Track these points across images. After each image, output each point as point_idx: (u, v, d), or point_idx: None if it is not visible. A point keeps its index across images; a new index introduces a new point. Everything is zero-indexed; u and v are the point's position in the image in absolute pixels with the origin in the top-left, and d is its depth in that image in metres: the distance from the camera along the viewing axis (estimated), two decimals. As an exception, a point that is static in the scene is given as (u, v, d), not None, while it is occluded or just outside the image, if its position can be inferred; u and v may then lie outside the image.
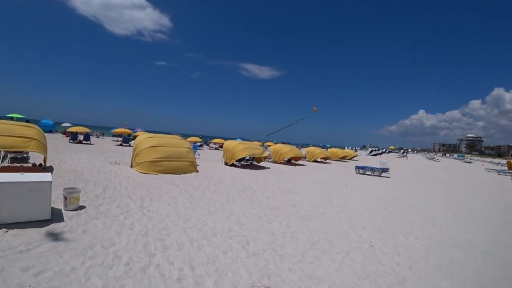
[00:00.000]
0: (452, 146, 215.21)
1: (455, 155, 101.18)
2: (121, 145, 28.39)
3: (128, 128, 39.17)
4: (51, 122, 44.09)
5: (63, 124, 44.45)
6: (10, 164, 10.24)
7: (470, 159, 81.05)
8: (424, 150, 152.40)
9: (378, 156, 66.72)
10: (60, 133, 38.96)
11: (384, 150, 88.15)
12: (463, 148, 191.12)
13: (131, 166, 11.86)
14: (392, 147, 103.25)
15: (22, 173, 5.71)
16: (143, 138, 11.83)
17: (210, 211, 6.81)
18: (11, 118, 34.81)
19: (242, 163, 17.91)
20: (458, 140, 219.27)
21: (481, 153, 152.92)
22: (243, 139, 55.84)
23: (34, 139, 8.86)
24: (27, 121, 21.70)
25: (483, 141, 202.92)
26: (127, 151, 21.00)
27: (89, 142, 26.73)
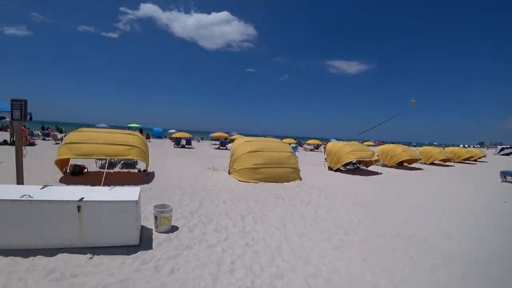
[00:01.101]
0: None
1: None
2: (218, 148, 29.01)
3: (225, 132, 40.57)
4: (161, 130, 49.50)
5: (170, 131, 49.16)
6: (120, 170, 10.35)
7: None
8: None
9: (513, 157, 53.06)
10: (168, 138, 43.06)
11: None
12: None
13: (229, 173, 10.80)
14: None
15: (112, 187, 4.81)
16: (241, 143, 10.66)
17: (334, 245, 4.78)
18: (131, 128, 40.27)
19: (348, 167, 15.30)
20: None
21: None
22: (337, 139, 52.07)
23: (135, 146, 8.48)
24: (140, 130, 23.90)
25: None
26: (224, 154, 20.78)
27: (190, 146, 28.14)
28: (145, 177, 9.30)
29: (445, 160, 23.95)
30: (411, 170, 17.92)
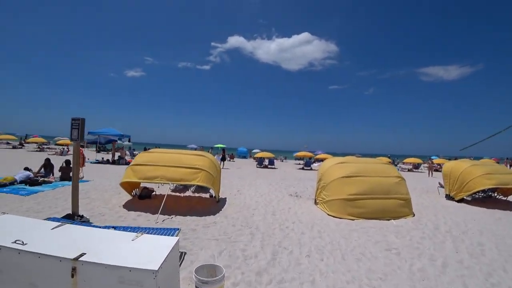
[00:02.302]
0: None
1: None
2: (302, 168, 26.79)
3: (309, 151, 38.13)
4: (245, 150, 50.25)
5: (254, 150, 49.25)
6: (192, 194, 9.26)
7: None
8: None
9: None
10: (252, 158, 42.93)
11: None
12: None
13: (315, 203, 8.54)
14: None
15: (140, 234, 3.25)
16: (331, 165, 8.30)
17: None
18: (216, 148, 41.69)
19: (476, 195, 11.12)
20: None
21: None
22: (438, 156, 43.66)
23: (203, 170, 7.13)
24: (223, 149, 23.72)
25: None
26: (309, 176, 18.47)
27: (273, 166, 26.76)
28: (215, 205, 7.85)
29: None
30: None
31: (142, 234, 3.22)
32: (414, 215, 7.77)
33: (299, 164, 34.19)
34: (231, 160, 36.11)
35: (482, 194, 11.23)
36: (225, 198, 8.95)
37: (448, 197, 10.98)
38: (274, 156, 30.99)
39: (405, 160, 36.86)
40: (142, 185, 8.58)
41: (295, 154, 34.83)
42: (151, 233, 3.79)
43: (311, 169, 26.78)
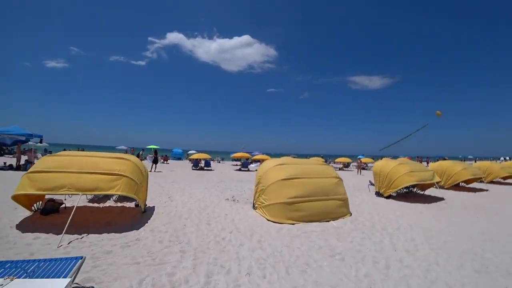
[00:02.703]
0: None
1: None
2: (239, 170, 26.43)
3: (246, 152, 38.10)
4: (181, 151, 47.96)
5: (190, 152, 47.42)
6: (114, 204, 7.96)
7: None
8: None
9: None
10: (188, 160, 41.15)
11: None
12: None
13: (253, 207, 8.05)
14: None
15: (6, 280, 2.25)
16: (270, 166, 7.88)
17: None
18: (149, 149, 38.80)
19: (399, 191, 11.97)
20: None
21: None
22: (363, 155, 47.99)
23: (124, 176, 5.97)
24: (155, 150, 21.84)
25: None
26: (246, 178, 18.09)
27: (210, 168, 25.79)
28: (140, 216, 6.77)
29: (505, 178, 20.01)
30: (475, 191, 14.35)
31: (11, 279, 2.22)
32: (351, 215, 7.82)
33: (237, 165, 33.83)
34: (165, 162, 34.01)
35: (405, 190, 12.16)
36: (153, 207, 7.88)
37: (378, 194, 11.62)
38: (210, 158, 30.04)
39: (336, 160, 39.35)
40: (47, 196, 7.01)
41: (232, 155, 34.42)
42: (36, 270, 2.75)
43: (248, 170, 26.58)
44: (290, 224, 6.61)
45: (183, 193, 10.30)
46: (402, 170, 10.94)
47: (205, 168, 25.64)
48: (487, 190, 15.09)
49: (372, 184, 13.11)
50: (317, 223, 6.84)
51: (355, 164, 34.32)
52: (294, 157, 35.07)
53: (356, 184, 16.02)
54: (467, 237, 6.29)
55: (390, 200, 10.76)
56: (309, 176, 7.54)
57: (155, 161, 20.73)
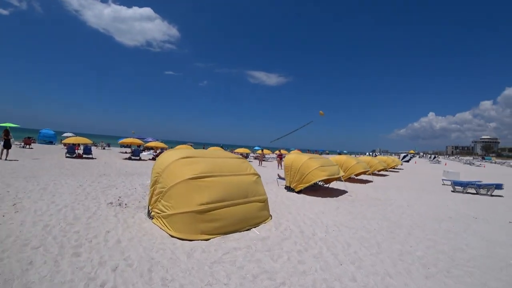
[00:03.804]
0: (466, 148, 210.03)
1: (479, 158, 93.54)
2: (129, 158, 22.70)
3: (138, 138, 33.60)
4: (52, 132, 38.70)
5: (64, 134, 39.19)
6: None
7: (494, 162, 72.79)
8: (435, 153, 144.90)
9: (413, 162, 59.82)
10: (62, 144, 33.67)
11: (415, 154, 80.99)
12: (478, 150, 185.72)
13: (149, 215, 5.94)
14: (412, 151, 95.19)
15: None
16: (172, 160, 5.73)
17: None
18: (6, 128, 29.69)
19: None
20: (473, 142, 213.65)
21: (499, 155, 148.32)
22: (260, 147, 49.66)
23: None
24: (6, 130, 16.16)
25: (499, 142, 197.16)
26: (138, 169, 15.19)
27: (90, 155, 21.22)
28: None
29: (380, 170, 23.21)
30: (365, 183, 15.82)
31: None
32: (271, 217, 6.68)
33: (126, 153, 29.41)
34: (27, 146, 26.69)
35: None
36: (-21, 224, 4.88)
37: (289, 188, 11.02)
38: (92, 143, 24.99)
39: (235, 150, 38.91)
40: None
41: (120, 141, 29.59)
42: None
43: (140, 159, 23.16)
44: (204, 240, 4.90)
45: (41, 196, 7.17)
46: (313, 165, 10.58)
47: (84, 156, 20.95)
48: (372, 181, 16.79)
49: (280, 178, 12.59)
50: (238, 233, 5.38)
51: (253, 155, 34.60)
52: (191, 146, 32.84)
53: (263, 177, 15.36)
54: (390, 234, 6.28)
55: (302, 195, 10.27)
56: (225, 174, 5.91)
57: (6, 146, 15.32)
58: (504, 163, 66.15)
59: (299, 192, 10.65)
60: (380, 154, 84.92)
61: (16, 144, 27.33)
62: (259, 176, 6.88)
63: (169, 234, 5.00)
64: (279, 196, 9.71)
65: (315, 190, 11.42)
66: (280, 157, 25.54)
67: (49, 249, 4.12)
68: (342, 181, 12.39)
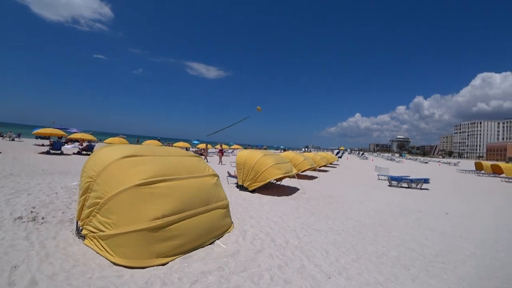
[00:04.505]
0: (385, 146, 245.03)
1: (397, 155, 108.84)
2: (48, 152, 19.21)
3: (59, 128, 28.93)
4: None
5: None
6: None
7: (408, 158, 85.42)
8: (361, 150, 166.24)
9: (345, 158, 64.62)
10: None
11: (344, 151, 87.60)
12: (394, 148, 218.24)
13: (79, 232, 4.45)
14: (342, 147, 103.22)
15: None
16: (111, 160, 4.22)
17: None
18: None
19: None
20: (390, 140, 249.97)
21: (409, 152, 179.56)
22: (200, 141, 47.86)
23: None
24: None
25: (409, 141, 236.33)
26: (60, 167, 12.66)
27: (-7, 150, 17.30)
28: None
29: (321, 166, 23.88)
30: (312, 179, 15.95)
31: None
32: (233, 225, 5.73)
33: (43, 145, 25.09)
34: None
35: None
36: None
37: (242, 187, 10.16)
38: (-4, 134, 20.53)
39: (175, 144, 36.46)
40: None
41: (35, 131, 24.96)
42: None
43: (61, 153, 19.84)
44: (161, 265, 3.71)
45: None
46: (268, 162, 9.89)
47: (-17, 150, 16.99)
48: (317, 177, 17.00)
49: (230, 175, 11.68)
50: (201, 250, 4.33)
51: (193, 149, 32.87)
52: (123, 137, 29.50)
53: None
54: (359, 235, 6.09)
55: (257, 195, 9.56)
56: (181, 176, 4.69)
57: None
58: (416, 159, 77.00)
59: (252, 191, 9.88)
60: (314, 150, 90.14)
61: None
62: (218, 177, 5.82)
63: (111, 262, 3.66)
64: (234, 197, 8.78)
65: (267, 188, 10.78)
66: (222, 152, 24.48)
67: None
68: (295, 178, 11.97)
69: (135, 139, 41.67)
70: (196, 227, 4.37)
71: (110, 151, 4.51)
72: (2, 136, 32.44)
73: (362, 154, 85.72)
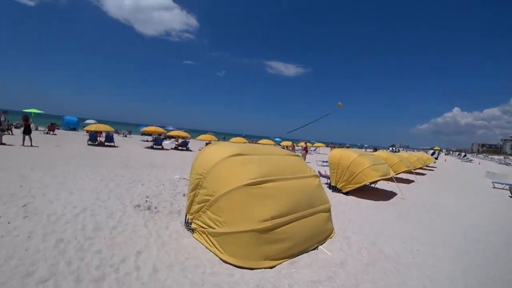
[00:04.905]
0: (494, 146, 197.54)
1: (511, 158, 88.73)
2: (151, 147, 21.82)
3: (159, 126, 32.76)
4: (75, 119, 38.77)
5: (87, 121, 39.09)
6: None
7: None
8: (460, 150, 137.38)
9: (442, 159, 56.66)
10: (85, 131, 33.39)
11: (439, 151, 77.16)
12: (508, 149, 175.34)
13: (188, 226, 4.67)
14: (436, 147, 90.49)
15: None
16: (220, 159, 4.25)
17: None
18: (27, 113, 29.56)
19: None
20: (502, 140, 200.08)
21: None
22: (282, 138, 47.95)
23: None
24: (25, 116, 15.42)
25: None
26: (162, 160, 14.11)
27: (112, 143, 20.47)
28: None
29: (417, 168, 21.24)
30: (408, 183, 14.14)
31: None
32: (334, 230, 5.30)
33: (147, 141, 28.70)
34: (51, 132, 26.40)
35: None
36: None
37: (334, 188, 9.56)
38: (114, 130, 24.32)
39: (259, 142, 37.43)
40: None
41: (142, 129, 28.73)
42: None
43: (162, 148, 22.26)
44: (269, 267, 3.57)
45: (58, 194, 6.04)
46: (365, 163, 9.06)
47: (106, 143, 20.23)
48: (414, 181, 15.09)
49: (322, 175, 11.13)
50: (306, 255, 4.07)
51: (299, 147, 33.07)
52: (212, 135, 31.63)
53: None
54: (480, 253, 5.11)
55: (353, 198, 8.84)
56: (286, 177, 4.50)
57: (26, 131, 14.60)
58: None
59: (346, 193, 9.20)
60: (403, 150, 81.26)
61: (40, 130, 27.14)
62: (318, 177, 5.46)
63: (221, 258, 3.68)
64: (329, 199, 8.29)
65: (361, 190, 9.90)
66: (306, 150, 23.84)
67: (61, 284, 2.90)
68: (393, 181, 10.78)
69: (222, 136, 44.45)
70: (302, 231, 4.12)
71: (217, 149, 4.60)
72: (117, 133, 38.39)
73: (464, 155, 73.83)
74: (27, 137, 14.44)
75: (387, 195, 9.83)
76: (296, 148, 39.21)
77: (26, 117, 14.84)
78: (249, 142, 36.32)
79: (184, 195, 6.98)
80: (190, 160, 15.62)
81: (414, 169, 19.68)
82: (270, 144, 35.33)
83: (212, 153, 4.53)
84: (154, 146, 22.45)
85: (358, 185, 8.91)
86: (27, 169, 8.19)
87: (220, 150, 4.53)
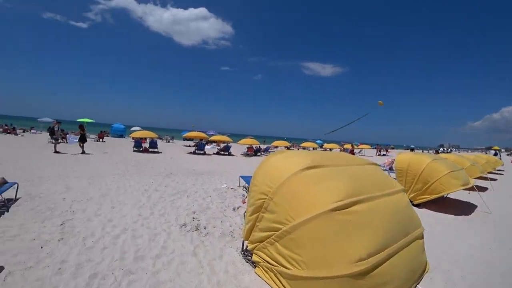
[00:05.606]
0: None
1: None
2: (194, 152, 21.57)
3: (200, 131, 32.85)
4: (122, 126, 40.73)
5: (133, 128, 40.63)
6: None
7: None
8: None
9: (508, 161, 50.49)
10: (131, 137, 34.64)
11: (499, 151, 69.09)
12: None
13: (247, 256, 3.71)
14: (496, 147, 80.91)
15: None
16: (293, 172, 3.23)
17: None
18: (81, 123, 31.34)
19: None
20: None
21: None
22: (323, 141, 45.83)
23: None
24: (81, 125, 15.97)
25: None
26: (207, 167, 13.50)
27: (156, 149, 20.58)
28: None
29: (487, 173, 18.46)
30: (483, 191, 11.91)
31: None
32: (428, 262, 4.01)
33: (189, 146, 28.76)
34: (100, 140, 27.63)
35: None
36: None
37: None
38: (157, 136, 24.58)
39: (302, 144, 36.14)
40: None
41: (184, 135, 28.89)
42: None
43: (204, 153, 21.92)
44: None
45: (99, 209, 5.46)
46: (442, 169, 7.52)
47: (150, 150, 20.36)
48: (487, 188, 12.77)
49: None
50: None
51: (321, 150, 31.36)
52: (251, 138, 30.84)
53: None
54: None
55: (427, 211, 7.34)
56: (373, 195, 3.34)
57: (82, 139, 15.14)
58: None
59: (417, 205, 7.70)
60: (456, 150, 73.79)
61: (91, 138, 28.49)
62: (404, 192, 4.20)
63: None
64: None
65: (434, 202, 8.28)
66: (353, 152, 22.17)
67: None
68: (475, 190, 8.97)
69: (262, 139, 43.84)
70: (400, 268, 2.96)
71: (284, 160, 3.59)
72: (161, 139, 39.34)
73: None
74: (81, 144, 14.96)
75: (466, 208, 8.12)
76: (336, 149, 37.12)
77: (82, 127, 15.46)
78: (292, 146, 35.08)
79: (234, 209, 6.11)
80: (233, 165, 14.91)
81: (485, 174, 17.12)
82: (314, 147, 33.77)
83: (279, 165, 3.52)
84: (197, 152, 22.21)
85: (434, 196, 7.39)
86: (73, 179, 7.91)
87: (288, 161, 3.51)
